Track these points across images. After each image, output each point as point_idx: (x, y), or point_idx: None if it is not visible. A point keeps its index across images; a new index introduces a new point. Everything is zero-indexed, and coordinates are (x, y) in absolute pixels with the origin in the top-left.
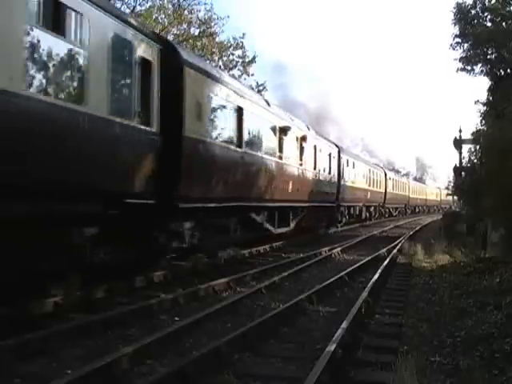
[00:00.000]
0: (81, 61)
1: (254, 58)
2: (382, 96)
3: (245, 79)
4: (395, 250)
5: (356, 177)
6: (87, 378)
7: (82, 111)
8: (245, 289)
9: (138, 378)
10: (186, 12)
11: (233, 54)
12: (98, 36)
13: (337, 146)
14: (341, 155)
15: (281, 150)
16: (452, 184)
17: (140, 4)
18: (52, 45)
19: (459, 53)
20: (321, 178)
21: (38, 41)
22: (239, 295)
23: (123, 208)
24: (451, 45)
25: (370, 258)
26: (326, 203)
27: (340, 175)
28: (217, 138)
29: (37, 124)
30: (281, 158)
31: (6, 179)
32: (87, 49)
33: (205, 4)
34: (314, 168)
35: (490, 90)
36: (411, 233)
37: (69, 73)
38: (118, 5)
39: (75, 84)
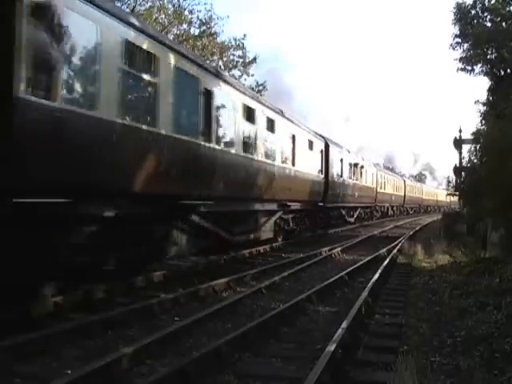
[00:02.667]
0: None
1: (254, 58)
2: (378, 95)
3: (245, 79)
4: (395, 250)
5: (385, 185)
6: (87, 378)
7: (311, 175)
8: (245, 289)
9: (137, 377)
10: (186, 12)
11: (233, 55)
12: (308, 144)
13: (375, 165)
14: (378, 172)
15: (355, 175)
16: (452, 184)
17: (140, 4)
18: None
19: (459, 53)
20: (368, 188)
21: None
22: (239, 295)
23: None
24: (451, 45)
25: (369, 257)
26: (369, 204)
27: (376, 185)
28: (338, 176)
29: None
30: (351, 179)
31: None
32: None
33: (205, 4)
34: (366, 182)
35: (490, 90)
36: (411, 233)
37: (311, 156)
38: (118, 5)
39: (313, 163)
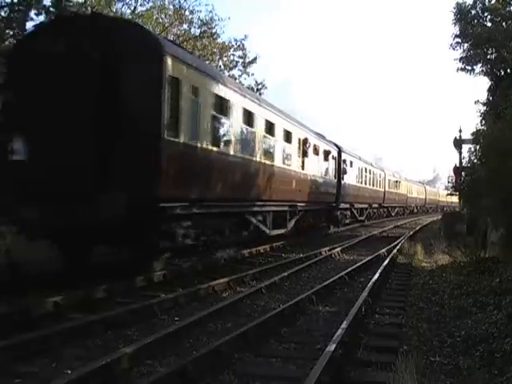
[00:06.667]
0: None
1: (255, 58)
2: (377, 97)
3: (245, 79)
4: (395, 250)
5: (412, 191)
6: (87, 378)
7: (379, 189)
8: (245, 289)
9: (138, 377)
10: (187, 12)
11: (233, 55)
12: (379, 175)
13: (406, 178)
14: (408, 183)
15: (395, 187)
16: (452, 184)
17: (141, 4)
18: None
19: (459, 53)
20: (402, 194)
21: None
22: (239, 295)
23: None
24: (451, 45)
25: (369, 258)
26: (402, 205)
27: (407, 192)
28: (388, 188)
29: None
30: (394, 189)
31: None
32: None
33: (206, 5)
34: (401, 191)
35: (490, 90)
36: (411, 233)
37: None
38: (119, 5)
39: (380, 183)
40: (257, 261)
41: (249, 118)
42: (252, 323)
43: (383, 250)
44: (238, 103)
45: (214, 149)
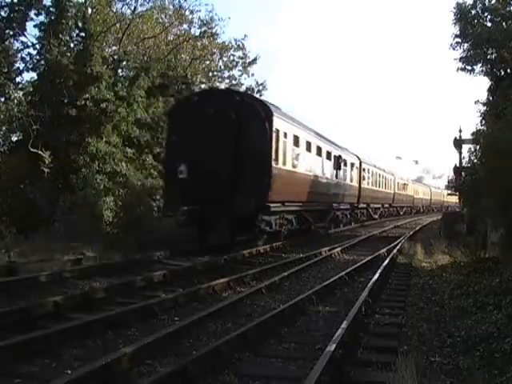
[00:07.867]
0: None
1: (255, 59)
2: (376, 97)
3: (245, 79)
4: (395, 250)
5: (418, 192)
6: (87, 377)
7: (390, 191)
8: (245, 289)
9: (138, 377)
10: (187, 12)
11: (233, 55)
12: (387, 178)
13: (414, 181)
14: (414, 185)
15: (403, 189)
16: (452, 184)
17: (141, 4)
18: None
19: (459, 53)
20: (409, 195)
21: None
22: (239, 295)
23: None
24: (451, 45)
25: (369, 258)
26: (409, 205)
27: (414, 193)
28: (398, 190)
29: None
30: (402, 191)
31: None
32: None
33: (206, 5)
34: (408, 192)
35: (490, 90)
36: (411, 233)
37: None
38: (119, 5)
39: (391, 186)
40: (257, 261)
41: (308, 146)
42: (252, 323)
43: (383, 250)
44: (303, 137)
45: (292, 169)
